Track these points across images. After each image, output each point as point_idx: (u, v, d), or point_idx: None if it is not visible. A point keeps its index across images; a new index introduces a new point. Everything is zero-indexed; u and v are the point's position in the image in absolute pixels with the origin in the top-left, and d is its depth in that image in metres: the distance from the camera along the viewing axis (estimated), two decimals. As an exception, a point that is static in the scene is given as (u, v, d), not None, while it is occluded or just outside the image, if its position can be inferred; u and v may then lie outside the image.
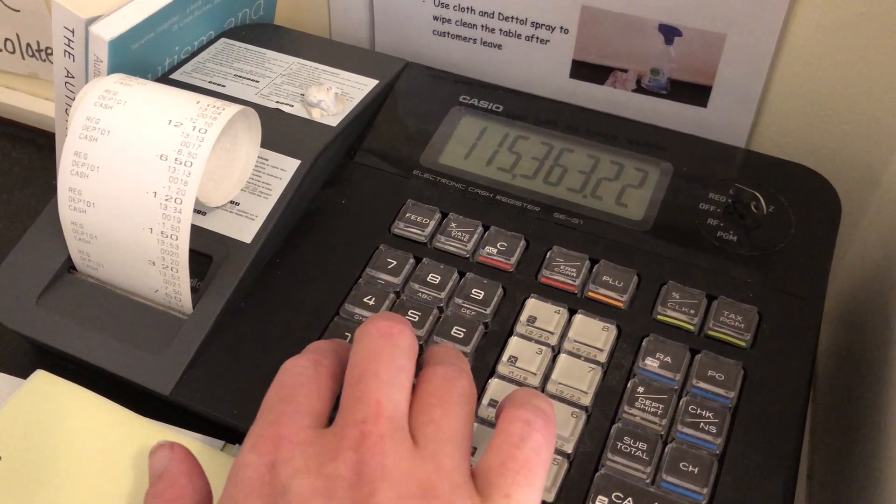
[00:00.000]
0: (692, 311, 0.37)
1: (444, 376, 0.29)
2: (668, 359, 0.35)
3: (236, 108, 0.37)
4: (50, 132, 0.67)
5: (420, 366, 0.30)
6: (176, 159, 0.35)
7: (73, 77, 0.43)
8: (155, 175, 0.36)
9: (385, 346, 0.29)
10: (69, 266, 0.39)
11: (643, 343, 0.36)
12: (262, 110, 0.42)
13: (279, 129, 0.42)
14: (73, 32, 0.41)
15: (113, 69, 0.40)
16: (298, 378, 0.29)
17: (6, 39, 0.64)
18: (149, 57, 0.43)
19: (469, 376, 0.30)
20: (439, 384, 0.29)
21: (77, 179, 0.37)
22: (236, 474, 0.27)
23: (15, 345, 0.41)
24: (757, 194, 0.40)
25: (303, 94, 0.44)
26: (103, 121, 0.36)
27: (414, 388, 0.29)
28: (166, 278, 0.37)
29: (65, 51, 0.42)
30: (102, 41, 0.39)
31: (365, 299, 0.38)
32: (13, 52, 0.65)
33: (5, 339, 0.42)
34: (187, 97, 0.37)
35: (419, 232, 0.40)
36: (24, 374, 0.38)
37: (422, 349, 0.33)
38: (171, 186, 0.35)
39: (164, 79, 0.45)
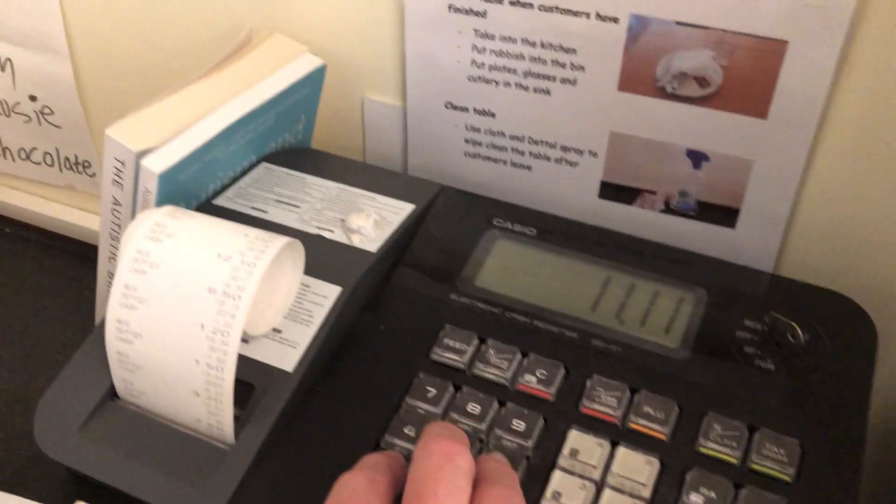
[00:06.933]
0: (734, 444, 0.37)
1: (498, 497, 0.30)
2: (712, 494, 0.35)
3: (283, 241, 0.38)
4: (82, 241, 0.69)
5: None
6: (224, 292, 0.36)
7: (120, 205, 0.44)
8: (203, 308, 0.36)
9: (445, 466, 0.30)
10: (112, 393, 0.40)
11: (687, 477, 0.36)
12: (303, 236, 0.43)
13: (320, 256, 0.43)
14: (123, 164, 0.42)
15: (161, 200, 0.42)
16: (354, 495, 0.30)
17: (45, 153, 0.66)
18: (194, 185, 0.44)
19: (521, 496, 0.31)
20: None
21: (125, 311, 0.37)
22: None
23: (54, 472, 0.41)
24: (793, 323, 0.40)
25: (343, 220, 0.45)
26: (153, 254, 0.37)
27: None
28: (210, 409, 0.37)
29: (114, 180, 0.43)
30: (152, 174, 0.41)
31: (405, 430, 0.38)
32: (52, 165, 0.67)
33: (44, 465, 0.41)
34: (235, 230, 0.38)
35: (457, 359, 0.40)
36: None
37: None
38: (218, 319, 0.36)
39: (208, 204, 0.46)
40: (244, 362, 0.39)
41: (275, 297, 0.40)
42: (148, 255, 0.37)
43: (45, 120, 0.64)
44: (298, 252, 0.40)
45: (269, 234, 0.38)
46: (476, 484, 0.31)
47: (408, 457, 0.37)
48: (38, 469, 0.41)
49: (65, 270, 0.67)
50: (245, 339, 0.40)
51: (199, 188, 0.45)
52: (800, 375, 0.39)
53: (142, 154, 0.41)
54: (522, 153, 0.52)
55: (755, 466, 0.36)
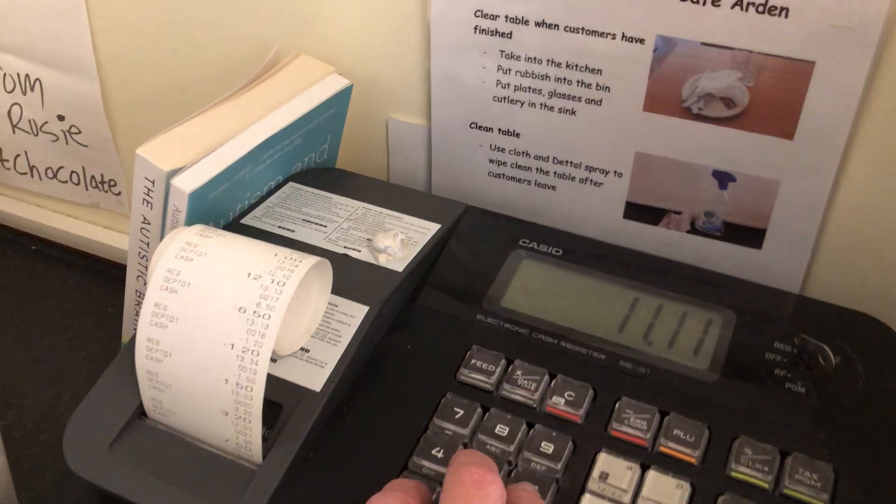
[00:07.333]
0: (766, 469, 0.36)
1: None
2: (744, 519, 0.35)
3: (313, 260, 0.38)
4: (107, 259, 0.69)
5: None
6: (254, 312, 0.36)
7: (150, 224, 0.44)
8: (233, 327, 0.36)
9: (476, 496, 0.30)
10: (140, 412, 0.40)
11: (718, 502, 0.35)
12: (330, 255, 0.43)
13: (347, 275, 0.43)
14: (153, 183, 0.42)
15: (190, 219, 0.42)
16: None
17: (72, 172, 0.67)
18: (223, 204, 0.45)
19: None
20: None
21: (156, 330, 0.38)
22: None
23: (83, 490, 0.41)
24: (824, 346, 0.40)
25: (369, 239, 0.45)
26: (184, 273, 0.38)
27: None
28: (238, 428, 0.37)
29: (143, 199, 0.43)
30: (182, 193, 0.41)
31: (433, 451, 0.38)
32: (77, 184, 0.68)
33: (72, 483, 0.41)
34: (265, 249, 0.38)
35: (485, 379, 0.40)
36: (90, 523, 0.38)
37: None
38: (248, 339, 0.36)
39: (236, 224, 0.46)
40: (272, 382, 0.39)
41: (303, 316, 0.41)
42: (178, 273, 0.38)
43: (73, 139, 0.64)
44: (327, 272, 0.40)
45: (299, 253, 0.38)
46: None
47: (436, 479, 0.37)
48: (67, 487, 0.41)
49: (90, 288, 0.67)
50: (273, 359, 0.40)
51: (228, 207, 0.45)
52: (831, 398, 0.39)
53: (172, 173, 0.42)
54: (547, 173, 0.52)
55: (788, 492, 0.36)
